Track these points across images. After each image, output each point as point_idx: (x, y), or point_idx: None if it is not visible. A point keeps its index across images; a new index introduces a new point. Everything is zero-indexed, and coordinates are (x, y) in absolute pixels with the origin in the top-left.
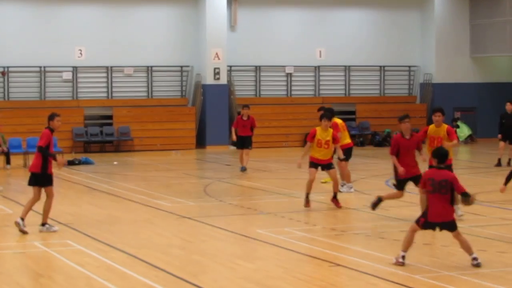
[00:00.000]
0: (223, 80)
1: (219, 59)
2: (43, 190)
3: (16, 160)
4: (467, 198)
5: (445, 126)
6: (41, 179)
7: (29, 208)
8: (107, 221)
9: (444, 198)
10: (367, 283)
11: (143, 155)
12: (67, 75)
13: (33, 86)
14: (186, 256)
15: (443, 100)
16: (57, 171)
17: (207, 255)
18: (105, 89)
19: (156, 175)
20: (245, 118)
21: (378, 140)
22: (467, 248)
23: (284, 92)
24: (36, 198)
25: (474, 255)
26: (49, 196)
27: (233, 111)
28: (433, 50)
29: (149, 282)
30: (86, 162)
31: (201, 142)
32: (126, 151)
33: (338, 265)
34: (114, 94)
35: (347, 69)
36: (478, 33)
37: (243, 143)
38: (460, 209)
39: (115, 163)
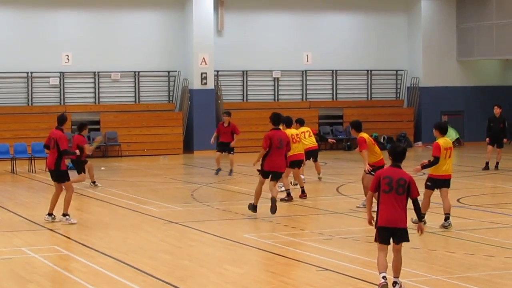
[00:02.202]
0: (210, 85)
1: (206, 64)
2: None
3: (3, 165)
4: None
5: None
6: (56, 175)
7: (55, 202)
8: (95, 226)
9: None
10: (355, 287)
11: (131, 160)
12: (54, 81)
13: (20, 92)
14: (173, 261)
15: (430, 104)
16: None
17: (194, 260)
18: (92, 94)
19: (144, 180)
20: (226, 124)
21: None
22: (396, 269)
23: (271, 97)
24: (58, 191)
25: (397, 280)
26: (68, 191)
27: (220, 116)
28: (420, 54)
29: (136, 287)
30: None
31: (188, 147)
32: (113, 157)
33: (326, 269)
34: (101, 100)
35: (334, 73)
36: (465, 37)
37: (223, 147)
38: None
39: (102, 168)
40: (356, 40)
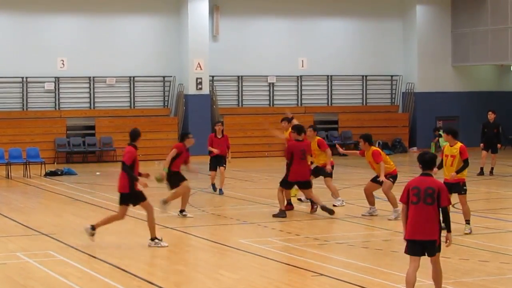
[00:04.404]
0: (206, 90)
1: (201, 69)
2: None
3: None
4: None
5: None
6: (129, 198)
7: (106, 221)
8: None
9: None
10: None
11: None
12: (49, 86)
13: (15, 97)
14: (169, 266)
15: (425, 109)
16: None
17: (190, 265)
18: (87, 100)
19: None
20: (219, 136)
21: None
22: (436, 282)
23: (267, 102)
24: (120, 216)
25: None
26: (148, 211)
27: (216, 121)
28: (415, 60)
29: None
30: (69, 173)
31: None
32: (108, 162)
33: (321, 274)
34: (96, 105)
35: (329, 78)
36: (459, 42)
37: (218, 162)
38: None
39: (97, 173)
40: (351, 46)
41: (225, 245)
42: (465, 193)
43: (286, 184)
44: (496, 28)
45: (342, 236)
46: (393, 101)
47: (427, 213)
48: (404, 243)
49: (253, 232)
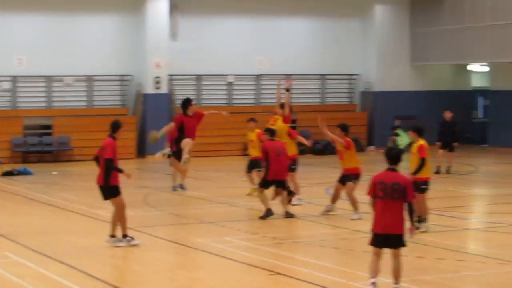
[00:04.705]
0: (164, 89)
1: (160, 68)
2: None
3: None
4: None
5: None
6: (104, 191)
7: (121, 222)
8: (47, 232)
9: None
10: None
11: (83, 165)
12: (6, 85)
13: None
14: (126, 266)
15: (384, 108)
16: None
17: (147, 265)
18: (45, 99)
19: (96, 185)
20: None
21: (318, 149)
22: (396, 275)
23: (225, 101)
24: (122, 206)
25: (398, 287)
26: (118, 208)
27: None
28: (374, 59)
29: None
30: (25, 173)
31: (141, 151)
32: (65, 161)
33: (278, 273)
34: (54, 104)
35: (288, 77)
36: (418, 41)
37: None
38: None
39: (54, 173)
40: (310, 45)
41: (183, 245)
42: (423, 192)
43: (264, 184)
44: (455, 28)
45: (299, 235)
46: (351, 100)
47: (394, 208)
48: (363, 240)
49: (211, 231)
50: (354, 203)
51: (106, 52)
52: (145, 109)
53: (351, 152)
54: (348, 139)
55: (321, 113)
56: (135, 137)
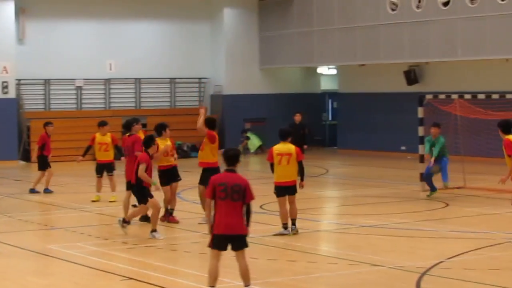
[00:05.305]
0: (12, 94)
1: (7, 72)
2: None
3: None
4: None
5: None
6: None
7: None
8: None
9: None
10: None
11: None
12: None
13: None
14: None
15: (234, 112)
16: None
17: None
18: None
19: None
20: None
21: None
22: (245, 277)
23: (74, 106)
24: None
25: None
26: None
27: (22, 126)
28: (223, 62)
29: None
30: None
31: None
32: None
33: (130, 278)
34: None
35: (137, 81)
36: (267, 45)
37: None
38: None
39: None
40: (159, 48)
41: (34, 251)
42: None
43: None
44: (303, 31)
45: (151, 240)
46: (201, 103)
47: (234, 209)
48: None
49: (62, 237)
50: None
51: None
52: None
53: (213, 146)
54: (212, 132)
55: (171, 117)
56: None
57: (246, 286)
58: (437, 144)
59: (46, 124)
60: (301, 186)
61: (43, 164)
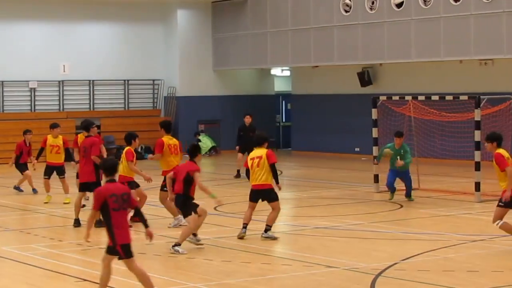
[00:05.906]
0: None
1: None
2: None
3: None
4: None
5: None
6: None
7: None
8: None
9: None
10: None
11: None
12: None
13: None
14: None
15: (188, 113)
16: None
17: None
18: None
19: None
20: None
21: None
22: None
23: (28, 108)
24: None
25: None
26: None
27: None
28: (177, 64)
29: None
30: None
31: None
32: None
33: (85, 280)
34: None
35: (91, 83)
36: (220, 47)
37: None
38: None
39: None
40: (113, 50)
41: None
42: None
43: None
44: (256, 33)
45: (104, 242)
46: (155, 105)
47: (125, 217)
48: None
49: (16, 239)
50: (170, 209)
51: None
52: None
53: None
54: (160, 140)
55: (125, 119)
56: None
57: None
58: (407, 153)
59: (25, 133)
60: (278, 188)
61: (21, 168)
